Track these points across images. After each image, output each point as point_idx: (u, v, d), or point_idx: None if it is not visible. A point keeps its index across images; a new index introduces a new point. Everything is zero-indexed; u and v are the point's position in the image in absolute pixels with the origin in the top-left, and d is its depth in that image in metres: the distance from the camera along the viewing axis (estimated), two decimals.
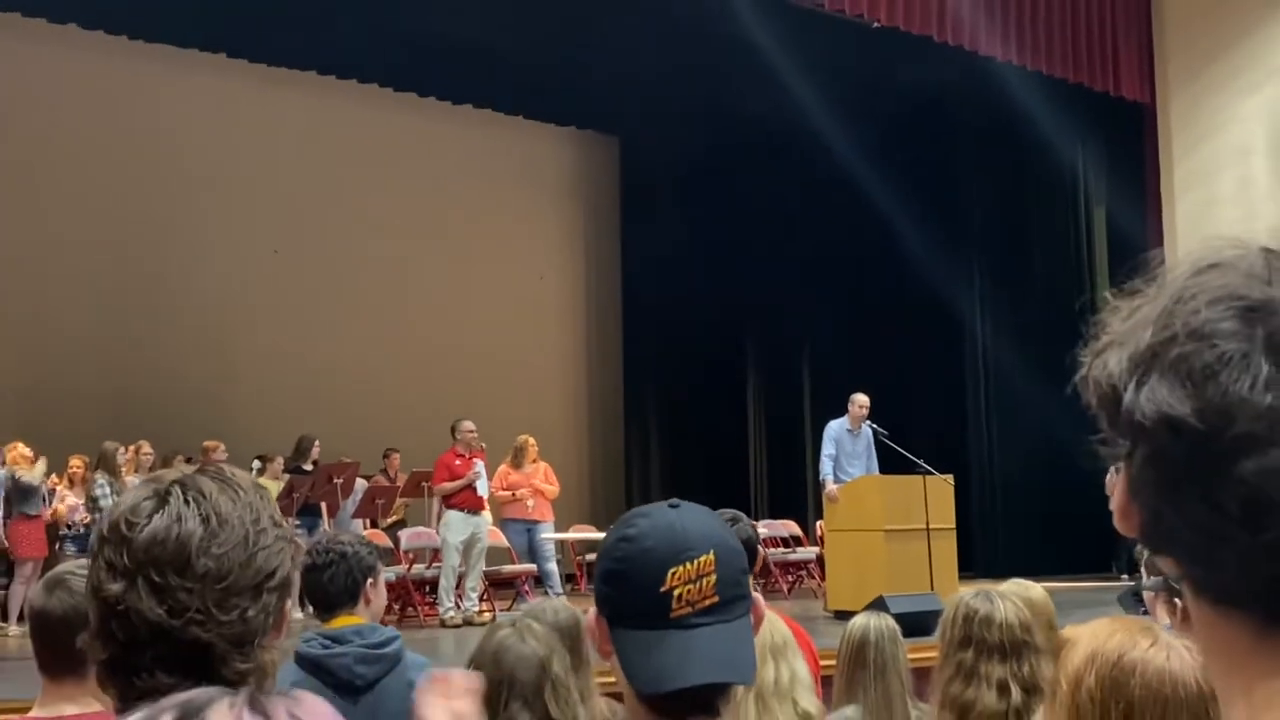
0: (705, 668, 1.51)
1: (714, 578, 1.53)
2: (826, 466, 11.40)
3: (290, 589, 1.59)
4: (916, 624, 9.76)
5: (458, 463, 11.72)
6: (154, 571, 1.48)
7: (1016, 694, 3.02)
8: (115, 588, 1.50)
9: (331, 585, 3.79)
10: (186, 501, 1.53)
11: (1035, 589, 4.42)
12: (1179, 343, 0.82)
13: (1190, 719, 1.94)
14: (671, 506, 1.61)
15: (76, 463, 11.93)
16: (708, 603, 1.52)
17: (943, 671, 3.15)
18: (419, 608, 11.93)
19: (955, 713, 3.07)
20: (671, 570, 1.51)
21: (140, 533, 1.50)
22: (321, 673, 3.64)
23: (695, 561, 1.52)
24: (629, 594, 1.52)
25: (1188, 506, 0.82)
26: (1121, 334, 0.86)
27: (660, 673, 1.49)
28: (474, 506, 11.76)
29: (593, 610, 1.56)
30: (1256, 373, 0.80)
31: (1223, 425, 0.80)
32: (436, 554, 12.06)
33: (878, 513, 10.98)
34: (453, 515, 11.62)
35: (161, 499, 1.53)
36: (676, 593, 1.50)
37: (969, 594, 3.25)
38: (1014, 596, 3.26)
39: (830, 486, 11.32)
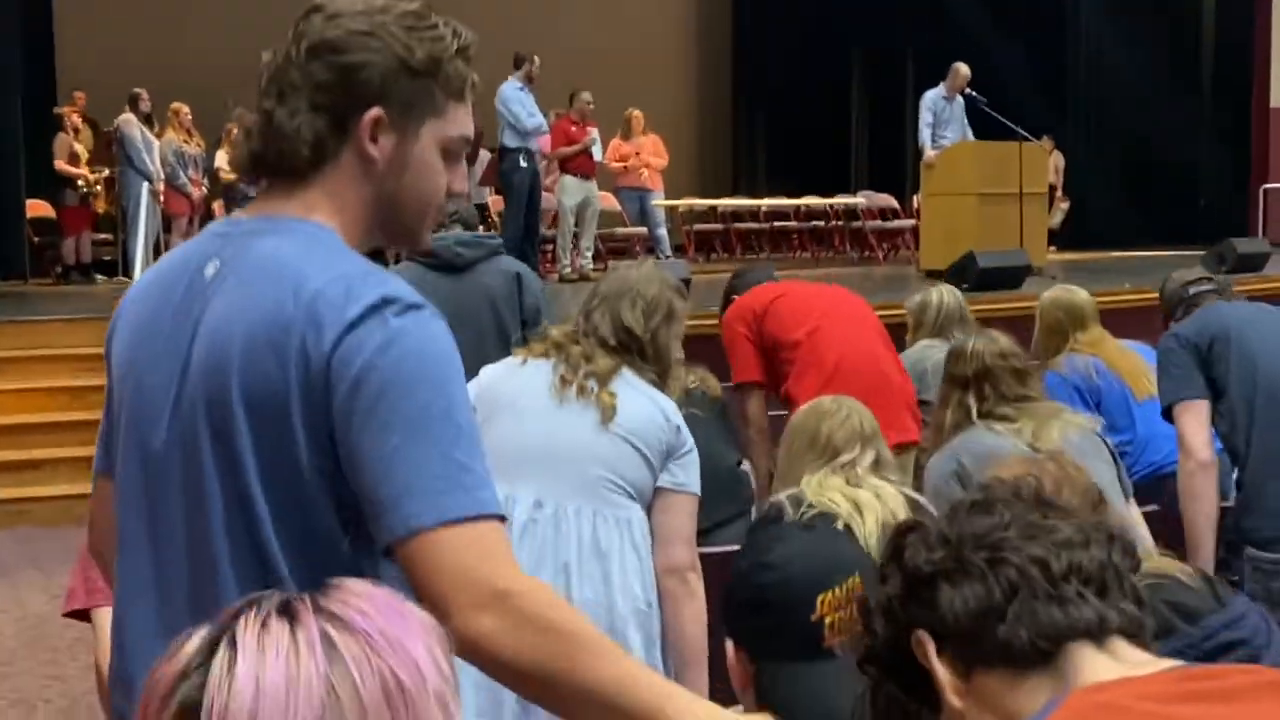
0: None
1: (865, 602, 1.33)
2: (925, 134, 11.05)
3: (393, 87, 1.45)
4: (1004, 277, 9.57)
5: (573, 129, 11.55)
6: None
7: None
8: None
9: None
10: None
11: (1080, 293, 4.42)
12: None
13: None
14: (804, 528, 1.44)
15: (230, 127, 11.99)
16: (857, 629, 1.32)
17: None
18: (540, 265, 12.00)
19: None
20: (820, 597, 1.34)
21: None
22: (428, 256, 3.81)
23: (844, 587, 1.35)
24: (776, 624, 1.34)
25: None
26: None
27: (824, 714, 1.26)
28: (586, 171, 11.67)
29: (730, 646, 1.37)
30: None
31: None
32: (556, 218, 12.01)
33: (972, 177, 10.67)
34: (568, 180, 11.58)
35: None
36: (829, 620, 1.34)
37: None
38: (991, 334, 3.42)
39: (929, 153, 10.93)
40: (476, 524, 1.30)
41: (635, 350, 2.77)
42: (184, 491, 1.40)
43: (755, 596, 1.36)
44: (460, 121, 1.53)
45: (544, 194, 12.38)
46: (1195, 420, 3.36)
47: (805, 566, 1.36)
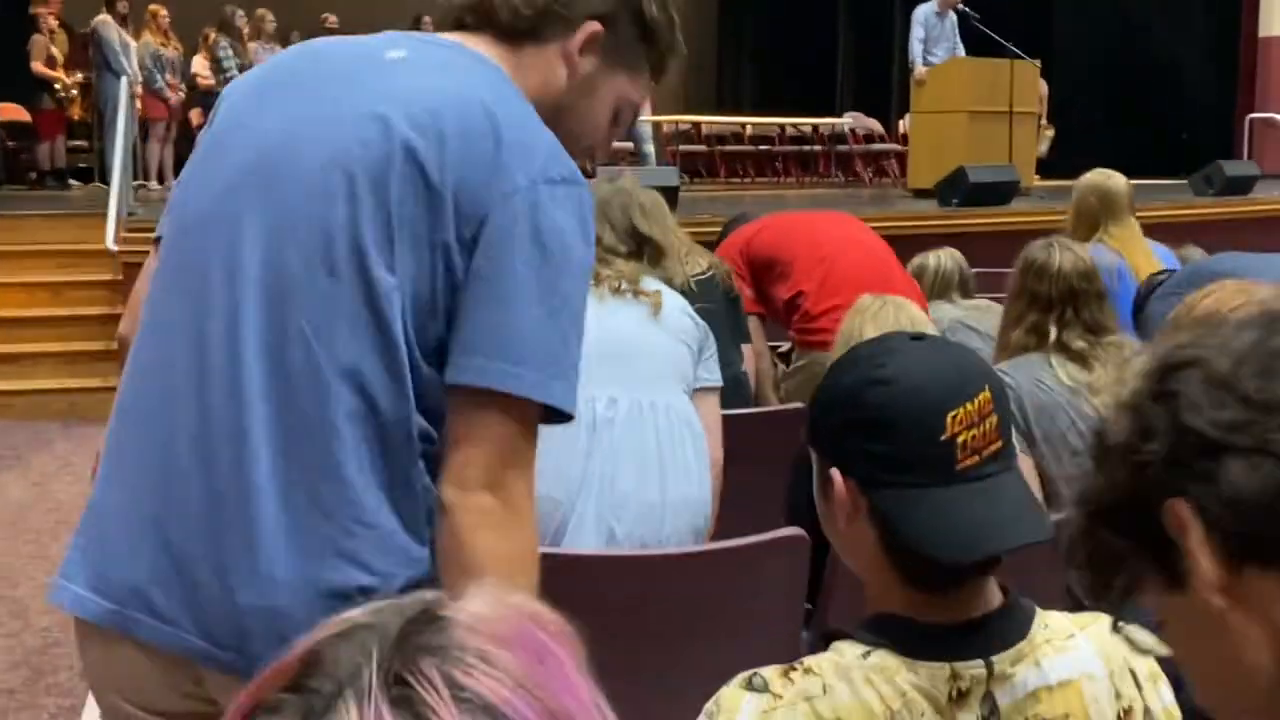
0: (1021, 525, 1.20)
1: (995, 419, 1.21)
2: (916, 50, 10.84)
3: None
4: (995, 193, 9.50)
5: None
6: None
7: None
8: None
9: None
10: None
11: (1118, 179, 4.30)
12: None
13: None
14: (914, 339, 1.29)
15: (208, 32, 11.75)
16: (993, 448, 1.21)
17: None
18: None
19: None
20: (951, 414, 1.18)
21: None
22: None
23: (975, 401, 1.20)
24: (899, 447, 1.18)
25: None
26: None
27: (971, 536, 1.16)
28: None
29: (837, 476, 1.21)
30: None
31: None
32: None
33: (962, 95, 10.55)
34: None
35: None
36: (960, 439, 1.18)
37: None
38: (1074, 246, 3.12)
39: (919, 70, 10.79)
40: (538, 416, 1.34)
41: (646, 255, 2.82)
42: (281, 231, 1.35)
43: (873, 416, 1.19)
44: (642, 94, 1.57)
45: None
46: None
47: (927, 379, 1.20)
